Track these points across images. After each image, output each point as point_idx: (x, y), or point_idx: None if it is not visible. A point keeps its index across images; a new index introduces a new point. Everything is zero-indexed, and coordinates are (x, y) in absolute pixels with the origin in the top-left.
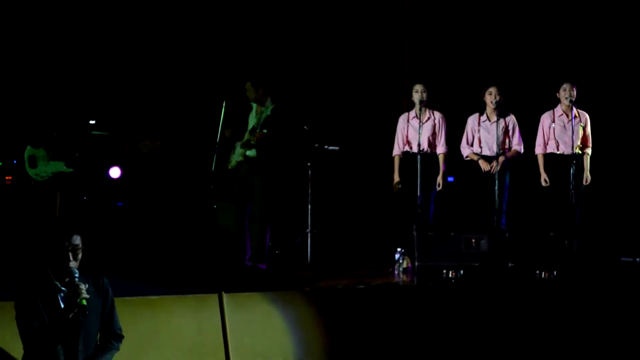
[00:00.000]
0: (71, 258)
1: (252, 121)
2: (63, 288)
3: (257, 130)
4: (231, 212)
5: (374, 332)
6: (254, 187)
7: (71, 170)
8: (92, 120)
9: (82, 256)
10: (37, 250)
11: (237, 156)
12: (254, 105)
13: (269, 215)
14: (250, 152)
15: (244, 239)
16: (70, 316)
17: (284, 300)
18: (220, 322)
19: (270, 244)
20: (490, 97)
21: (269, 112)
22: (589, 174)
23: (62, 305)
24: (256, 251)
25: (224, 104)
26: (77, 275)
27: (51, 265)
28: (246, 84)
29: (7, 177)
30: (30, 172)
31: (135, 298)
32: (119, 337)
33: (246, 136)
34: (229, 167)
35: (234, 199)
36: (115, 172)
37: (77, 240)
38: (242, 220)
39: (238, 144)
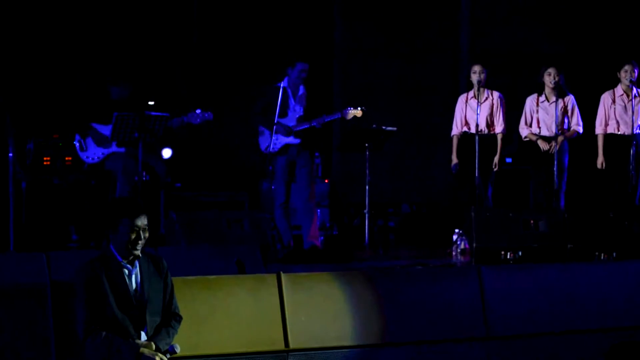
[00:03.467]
0: (139, 238)
1: (292, 104)
2: (128, 265)
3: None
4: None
5: (430, 313)
6: (301, 167)
7: (122, 150)
8: (151, 101)
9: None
10: (102, 228)
11: (289, 140)
12: (292, 89)
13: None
14: (298, 134)
15: (287, 221)
16: None
17: (342, 280)
18: (278, 302)
19: (328, 225)
20: (549, 78)
21: (304, 97)
22: None
23: (128, 282)
24: (310, 231)
25: (281, 86)
26: (140, 255)
27: (116, 244)
28: (302, 65)
29: (66, 158)
30: (82, 155)
31: (193, 278)
32: (179, 318)
33: (296, 121)
34: (269, 150)
35: (279, 181)
36: (167, 153)
37: (145, 220)
38: (286, 202)
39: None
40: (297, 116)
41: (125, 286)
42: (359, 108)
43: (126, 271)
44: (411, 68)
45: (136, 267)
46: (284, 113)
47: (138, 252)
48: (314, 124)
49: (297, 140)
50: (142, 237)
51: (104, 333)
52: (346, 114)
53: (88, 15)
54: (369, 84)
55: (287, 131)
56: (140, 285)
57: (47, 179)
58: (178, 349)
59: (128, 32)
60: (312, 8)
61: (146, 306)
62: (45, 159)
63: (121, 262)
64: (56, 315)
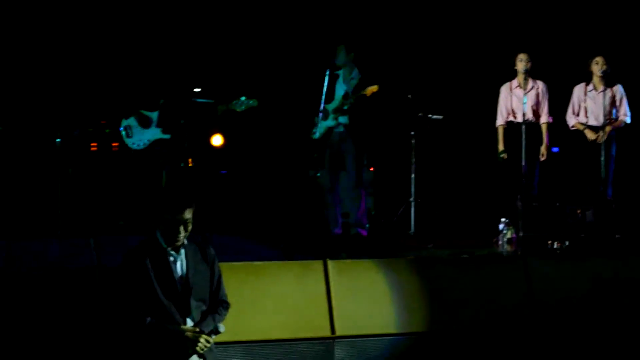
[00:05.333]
0: (182, 231)
1: (340, 88)
2: (173, 252)
3: (350, 96)
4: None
5: (475, 302)
6: (346, 154)
7: (168, 136)
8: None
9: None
10: (149, 216)
11: (328, 123)
12: (341, 72)
13: (363, 181)
14: (343, 119)
15: (335, 207)
16: None
17: (387, 268)
18: (324, 289)
19: (374, 213)
20: (597, 67)
21: (357, 81)
22: None
23: (173, 269)
24: (356, 218)
25: (327, 72)
26: (185, 242)
27: (162, 231)
28: (338, 47)
29: (113, 144)
30: (128, 142)
31: (240, 263)
32: (226, 305)
33: (338, 103)
34: (314, 137)
35: (325, 167)
36: (217, 140)
37: (189, 214)
38: (333, 189)
39: (329, 113)
40: (340, 97)
41: (170, 273)
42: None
43: (171, 258)
44: (457, 55)
45: (181, 253)
46: (331, 98)
47: (179, 244)
48: (347, 103)
49: (338, 125)
50: (185, 230)
51: (148, 319)
52: (366, 90)
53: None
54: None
55: (325, 114)
56: (186, 272)
57: (94, 164)
58: (222, 329)
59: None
60: None
61: (191, 293)
62: (92, 144)
63: (166, 248)
64: (103, 299)
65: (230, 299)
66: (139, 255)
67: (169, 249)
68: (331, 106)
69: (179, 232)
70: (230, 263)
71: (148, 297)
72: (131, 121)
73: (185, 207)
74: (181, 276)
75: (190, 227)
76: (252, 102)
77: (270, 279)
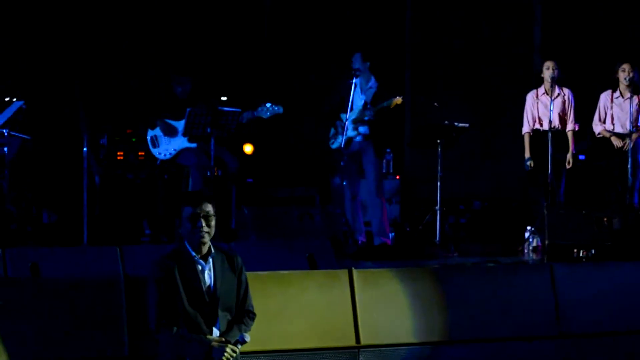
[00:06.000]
0: (204, 224)
1: (358, 98)
2: (201, 261)
3: (369, 107)
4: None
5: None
6: (366, 163)
7: (194, 146)
8: (224, 96)
9: (216, 231)
10: (175, 224)
11: (348, 133)
12: (358, 81)
13: (384, 190)
14: (363, 129)
15: (357, 217)
16: None
17: (412, 277)
18: (349, 298)
19: (399, 221)
20: (624, 74)
21: (375, 89)
22: None
23: (201, 278)
24: (379, 227)
25: (353, 81)
26: (213, 251)
27: (188, 237)
28: (354, 55)
29: (139, 153)
30: (154, 152)
31: (266, 273)
32: (252, 316)
33: (357, 113)
34: (333, 146)
35: (346, 176)
36: (248, 149)
37: (208, 207)
38: (355, 198)
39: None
40: (360, 107)
41: (198, 282)
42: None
43: (199, 267)
44: (484, 63)
45: (209, 262)
46: (352, 107)
47: (206, 240)
48: (367, 114)
49: (359, 135)
50: (207, 224)
51: (175, 328)
52: (391, 101)
53: (161, 11)
54: (442, 79)
55: (348, 125)
56: (214, 281)
57: (120, 173)
58: (248, 338)
59: (201, 27)
60: (385, 2)
61: (218, 303)
62: (118, 153)
63: (194, 257)
64: (129, 308)
65: (255, 309)
66: (167, 263)
67: (197, 257)
68: (351, 116)
69: (201, 226)
70: (255, 272)
71: (175, 306)
72: (157, 131)
73: (203, 200)
74: (209, 286)
75: (213, 224)
76: (278, 109)
77: (295, 289)
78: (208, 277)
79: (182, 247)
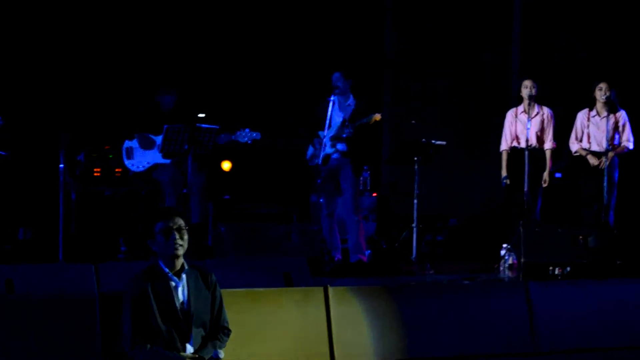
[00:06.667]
0: (177, 237)
1: (336, 116)
2: (174, 278)
3: (348, 124)
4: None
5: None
6: (343, 180)
7: (168, 162)
8: (201, 113)
9: (188, 247)
10: (148, 241)
11: (326, 150)
12: (337, 99)
13: (361, 207)
14: (341, 146)
15: (333, 234)
16: None
17: (389, 294)
18: (325, 316)
19: (376, 238)
20: (601, 93)
21: (354, 106)
22: None
23: (174, 295)
24: (356, 244)
25: (331, 99)
26: (186, 267)
27: (162, 252)
28: (335, 74)
29: (116, 169)
30: (127, 163)
31: (241, 290)
32: (227, 332)
33: (336, 130)
34: (311, 163)
35: (323, 193)
36: (226, 166)
37: (180, 221)
38: (331, 215)
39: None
40: (338, 125)
41: (172, 299)
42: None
43: (172, 283)
44: (462, 81)
45: (183, 279)
46: (330, 125)
47: (179, 253)
48: (346, 131)
49: (337, 152)
50: (180, 237)
51: (148, 346)
52: (370, 118)
53: (141, 29)
54: (420, 97)
55: (326, 142)
56: (187, 297)
57: (97, 190)
58: (222, 355)
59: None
60: (364, 19)
61: (192, 319)
62: (95, 170)
63: (168, 274)
64: (104, 326)
65: (231, 326)
66: (141, 281)
67: (170, 274)
68: (329, 133)
69: (175, 239)
70: (231, 289)
71: (149, 324)
72: (134, 143)
73: (174, 213)
74: (182, 302)
75: (186, 237)
76: (256, 135)
77: (271, 306)
78: (182, 294)
79: (156, 264)
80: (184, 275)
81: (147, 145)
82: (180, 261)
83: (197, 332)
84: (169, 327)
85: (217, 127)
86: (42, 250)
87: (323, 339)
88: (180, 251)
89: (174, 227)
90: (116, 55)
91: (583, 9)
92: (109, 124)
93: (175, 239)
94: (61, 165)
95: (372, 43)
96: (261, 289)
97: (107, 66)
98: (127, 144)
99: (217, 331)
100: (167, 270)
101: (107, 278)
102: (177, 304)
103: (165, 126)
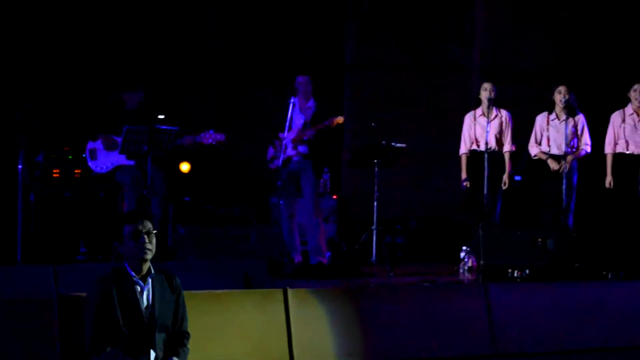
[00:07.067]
0: (147, 240)
1: (297, 118)
2: (140, 281)
3: (309, 126)
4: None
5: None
6: (304, 183)
7: (132, 163)
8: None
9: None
10: (115, 243)
11: (287, 152)
12: (297, 101)
13: (321, 210)
14: (302, 148)
15: (293, 236)
16: None
17: (348, 296)
18: (284, 318)
19: (336, 241)
20: (560, 96)
21: (314, 108)
22: None
23: (139, 299)
24: (316, 246)
25: (291, 101)
26: (152, 271)
27: (127, 257)
28: (300, 77)
29: (76, 170)
30: (91, 164)
31: (201, 292)
32: (188, 336)
33: (297, 132)
34: (271, 165)
35: (284, 195)
36: (184, 167)
37: (149, 224)
38: (291, 217)
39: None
40: (299, 127)
41: (137, 303)
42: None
43: (138, 288)
44: (422, 84)
45: (148, 283)
46: (290, 127)
47: (148, 257)
48: (307, 133)
49: (298, 154)
50: (148, 240)
51: (109, 349)
52: (332, 121)
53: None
54: (380, 98)
55: (286, 145)
56: (152, 302)
57: (56, 191)
58: None
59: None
60: (325, 23)
61: (156, 324)
62: (54, 171)
63: (133, 277)
64: (62, 328)
65: (191, 328)
66: (105, 284)
67: (136, 278)
68: (290, 135)
69: (144, 242)
70: (191, 292)
71: (112, 327)
72: (97, 144)
73: (143, 216)
74: (147, 306)
75: (154, 241)
76: (220, 137)
77: (231, 308)
78: (146, 298)
79: (121, 267)
80: (149, 279)
81: (110, 146)
82: (147, 265)
83: (160, 337)
84: (133, 331)
85: (177, 128)
86: (0, 252)
87: (282, 341)
88: (149, 255)
89: (143, 230)
90: (76, 55)
91: (543, 13)
92: (68, 124)
93: (144, 242)
94: (20, 166)
95: (332, 45)
96: (220, 291)
97: (66, 67)
98: (91, 145)
99: (180, 337)
100: (132, 273)
101: (66, 279)
102: (142, 308)
103: (125, 127)
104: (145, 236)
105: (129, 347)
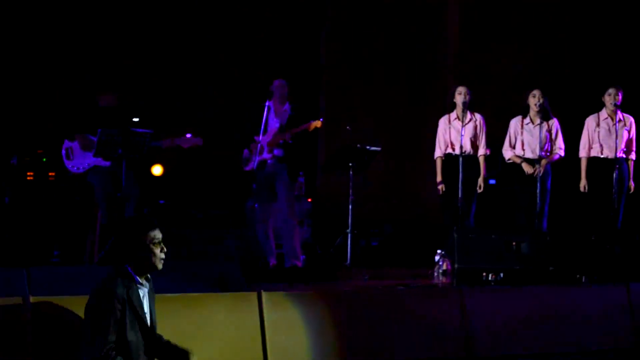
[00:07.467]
0: (163, 251)
1: (272, 121)
2: (142, 287)
3: (285, 130)
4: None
5: (412, 333)
6: (279, 186)
7: (108, 164)
8: (136, 117)
9: None
10: (118, 247)
11: (262, 155)
12: (272, 104)
13: (296, 213)
14: (278, 151)
15: (268, 239)
16: None
17: (322, 300)
18: (258, 321)
19: (311, 244)
20: (534, 100)
21: (290, 112)
22: (632, 182)
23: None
24: (290, 249)
25: (266, 104)
26: (150, 276)
27: (142, 264)
28: (277, 81)
29: (50, 173)
30: (67, 164)
31: (175, 295)
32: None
33: (273, 136)
34: (246, 168)
35: (259, 198)
36: (157, 170)
37: (161, 234)
38: (266, 220)
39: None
40: (274, 131)
41: (142, 309)
42: (317, 120)
43: (141, 293)
44: (397, 88)
45: (147, 287)
46: (265, 130)
47: (160, 267)
48: (283, 137)
49: (273, 157)
50: (164, 250)
51: (119, 357)
52: (309, 125)
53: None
54: (356, 103)
55: (261, 148)
56: (150, 307)
57: (30, 193)
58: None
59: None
60: (301, 26)
61: (155, 329)
62: (28, 173)
63: (137, 282)
64: (35, 332)
65: (165, 331)
66: (120, 288)
67: (141, 282)
68: (265, 139)
69: (162, 252)
70: (165, 294)
71: (122, 335)
72: (74, 144)
73: (158, 224)
74: (148, 312)
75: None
76: (197, 140)
77: (205, 311)
78: (146, 303)
79: (125, 272)
80: (148, 284)
81: (87, 147)
82: None
83: (155, 342)
84: (139, 338)
85: (151, 131)
86: None
87: (257, 344)
88: (161, 265)
89: (162, 239)
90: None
91: (517, 18)
92: (42, 127)
93: (162, 253)
94: None
95: (308, 49)
96: (195, 294)
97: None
98: (67, 144)
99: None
100: (138, 278)
101: (39, 283)
102: (146, 314)
103: (99, 130)
104: (163, 246)
105: (133, 355)
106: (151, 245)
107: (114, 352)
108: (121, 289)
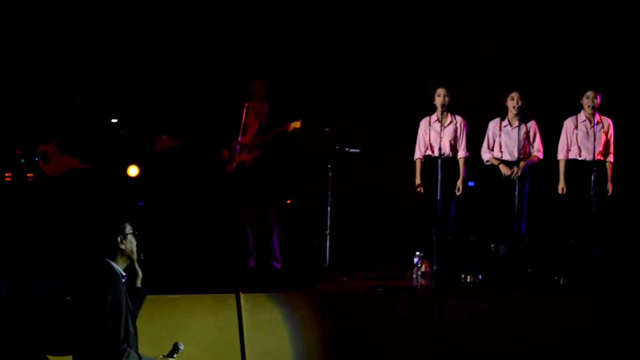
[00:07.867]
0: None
1: (251, 121)
2: (124, 273)
3: (264, 131)
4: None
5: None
6: (259, 187)
7: (85, 166)
8: (114, 119)
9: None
10: (114, 239)
11: (240, 157)
12: (251, 105)
13: (275, 215)
14: (257, 152)
15: (247, 240)
16: None
17: (301, 301)
18: (237, 322)
19: (290, 245)
20: (512, 102)
21: (268, 113)
22: (610, 185)
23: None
24: (268, 252)
25: (246, 105)
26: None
27: (125, 257)
28: (257, 82)
29: (28, 174)
30: (44, 167)
31: (154, 296)
32: None
33: (252, 137)
34: (227, 170)
35: (236, 201)
36: (133, 171)
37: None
38: (245, 222)
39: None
40: (253, 132)
41: (128, 299)
42: (297, 120)
43: (124, 279)
44: (377, 89)
45: (125, 278)
46: (245, 131)
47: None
48: (262, 138)
49: (252, 159)
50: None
51: (131, 351)
52: (288, 125)
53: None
54: (335, 103)
55: (241, 148)
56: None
57: (8, 195)
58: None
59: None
60: (281, 27)
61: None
62: (6, 174)
63: (122, 274)
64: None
65: (145, 332)
66: (119, 283)
67: (124, 274)
68: (244, 140)
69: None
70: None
71: (127, 329)
72: (51, 147)
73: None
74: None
75: None
76: (175, 142)
77: (184, 312)
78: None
79: (109, 266)
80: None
81: (65, 150)
82: None
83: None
84: (135, 329)
85: (129, 133)
86: None
87: (235, 345)
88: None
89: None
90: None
91: (495, 20)
92: (21, 127)
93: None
94: None
95: (288, 50)
96: (173, 295)
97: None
98: (43, 148)
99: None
100: (123, 272)
101: (15, 284)
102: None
103: (79, 133)
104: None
105: (133, 345)
106: (129, 236)
107: (126, 344)
108: (117, 283)
